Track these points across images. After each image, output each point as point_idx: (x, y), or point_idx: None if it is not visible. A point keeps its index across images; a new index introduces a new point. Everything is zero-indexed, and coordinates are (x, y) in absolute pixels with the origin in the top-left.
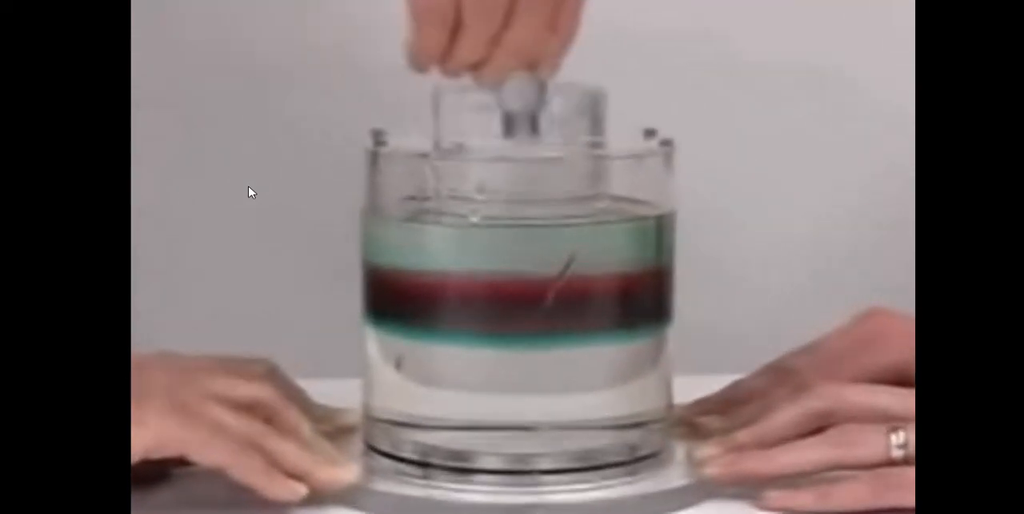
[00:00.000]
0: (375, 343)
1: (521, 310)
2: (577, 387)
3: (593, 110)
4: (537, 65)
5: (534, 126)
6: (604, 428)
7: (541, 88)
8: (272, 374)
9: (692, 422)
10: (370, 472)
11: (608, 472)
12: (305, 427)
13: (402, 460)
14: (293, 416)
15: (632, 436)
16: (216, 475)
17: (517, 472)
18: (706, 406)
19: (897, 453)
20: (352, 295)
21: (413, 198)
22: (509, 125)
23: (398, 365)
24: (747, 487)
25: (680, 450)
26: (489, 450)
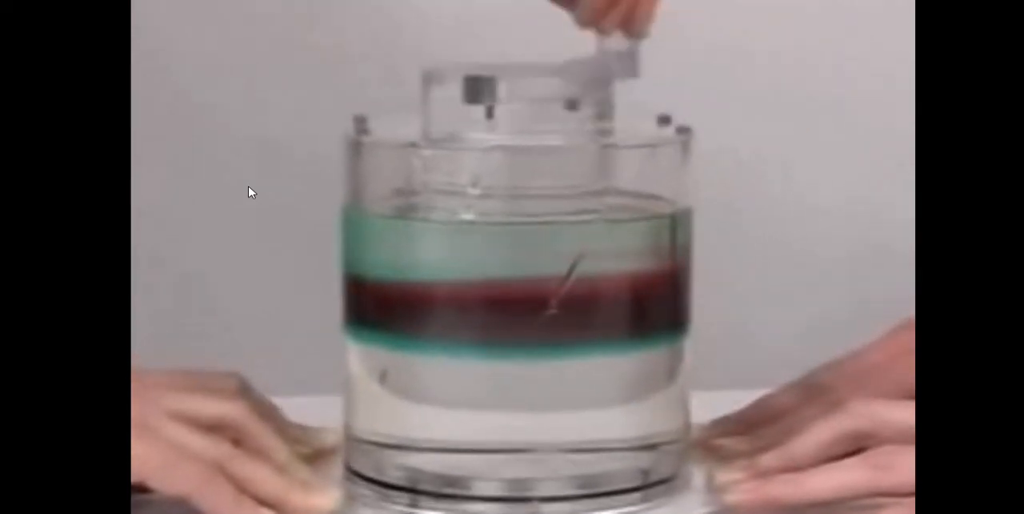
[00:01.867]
0: (357, 355)
1: (521, 318)
2: (583, 404)
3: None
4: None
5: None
6: (613, 450)
7: None
8: (242, 390)
9: (712, 443)
10: (352, 499)
11: (617, 499)
12: (279, 449)
13: (387, 486)
14: (266, 437)
15: (645, 459)
16: (179, 503)
17: (516, 499)
18: (727, 426)
19: None
20: (331, 301)
21: (400, 193)
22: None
23: (383, 380)
24: None
25: (698, 475)
26: (484, 474)
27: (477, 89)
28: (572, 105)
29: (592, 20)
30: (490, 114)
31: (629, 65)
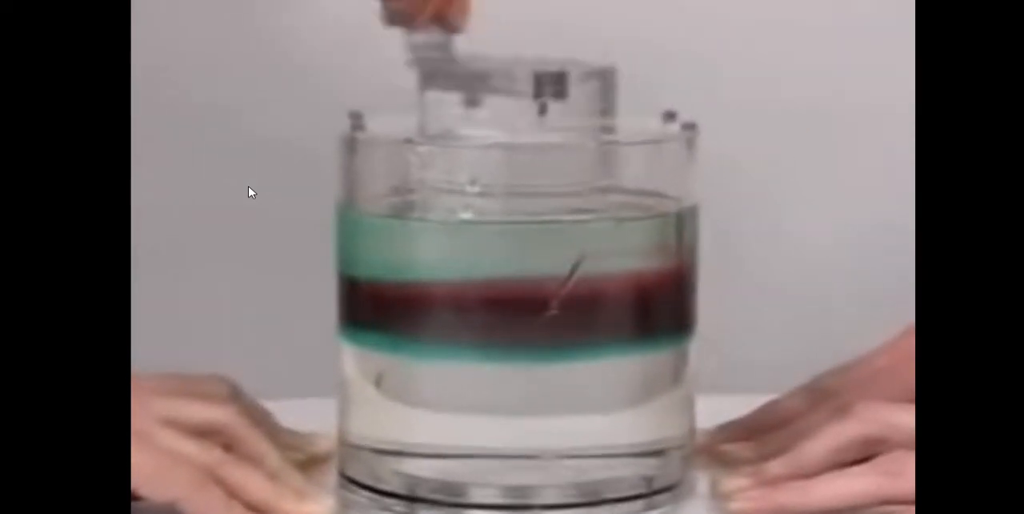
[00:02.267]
0: (352, 358)
1: (521, 319)
2: (585, 408)
3: (604, 89)
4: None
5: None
6: (616, 456)
7: None
8: (233, 395)
9: (717, 449)
10: (346, 507)
11: (620, 507)
12: (271, 455)
13: (383, 493)
14: (257, 443)
15: (649, 465)
16: (169, 511)
17: (516, 507)
18: (733, 431)
19: None
20: (325, 302)
21: (396, 191)
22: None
23: (378, 383)
24: None
25: (703, 482)
26: (484, 481)
27: (543, 84)
28: (472, 102)
29: (408, 16)
30: (543, 111)
31: (446, 56)
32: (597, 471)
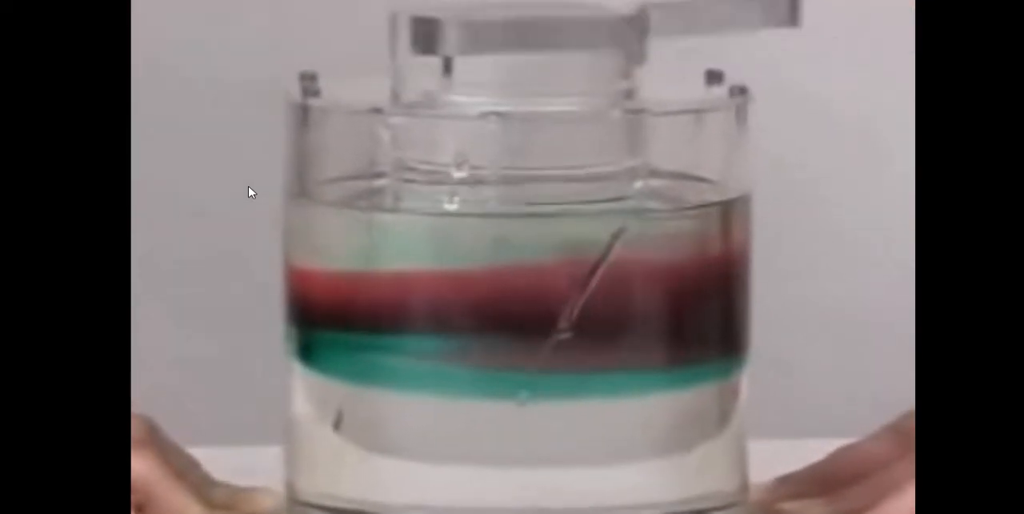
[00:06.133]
0: (304, 390)
1: (523, 340)
2: (606, 457)
3: (631, 43)
4: None
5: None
6: None
7: None
8: (150, 438)
9: (777, 509)
10: None
11: None
12: None
13: None
14: (179, 500)
15: None
16: None
17: None
18: (798, 485)
19: None
20: (270, 319)
21: (361, 175)
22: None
23: (338, 424)
24: None
25: None
26: None
27: None
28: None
29: None
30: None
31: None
32: None
